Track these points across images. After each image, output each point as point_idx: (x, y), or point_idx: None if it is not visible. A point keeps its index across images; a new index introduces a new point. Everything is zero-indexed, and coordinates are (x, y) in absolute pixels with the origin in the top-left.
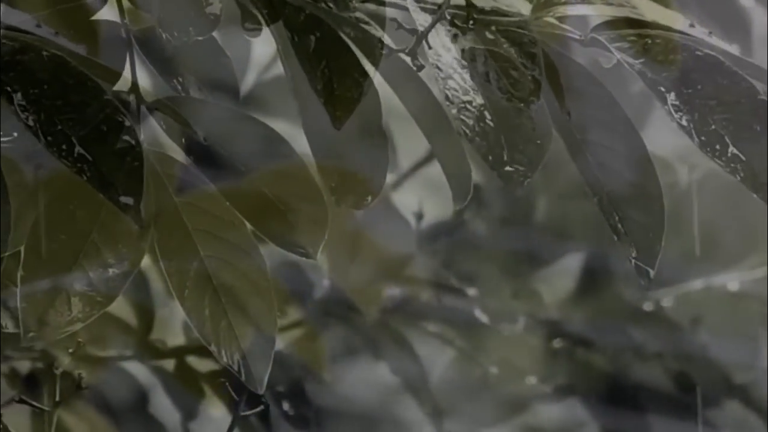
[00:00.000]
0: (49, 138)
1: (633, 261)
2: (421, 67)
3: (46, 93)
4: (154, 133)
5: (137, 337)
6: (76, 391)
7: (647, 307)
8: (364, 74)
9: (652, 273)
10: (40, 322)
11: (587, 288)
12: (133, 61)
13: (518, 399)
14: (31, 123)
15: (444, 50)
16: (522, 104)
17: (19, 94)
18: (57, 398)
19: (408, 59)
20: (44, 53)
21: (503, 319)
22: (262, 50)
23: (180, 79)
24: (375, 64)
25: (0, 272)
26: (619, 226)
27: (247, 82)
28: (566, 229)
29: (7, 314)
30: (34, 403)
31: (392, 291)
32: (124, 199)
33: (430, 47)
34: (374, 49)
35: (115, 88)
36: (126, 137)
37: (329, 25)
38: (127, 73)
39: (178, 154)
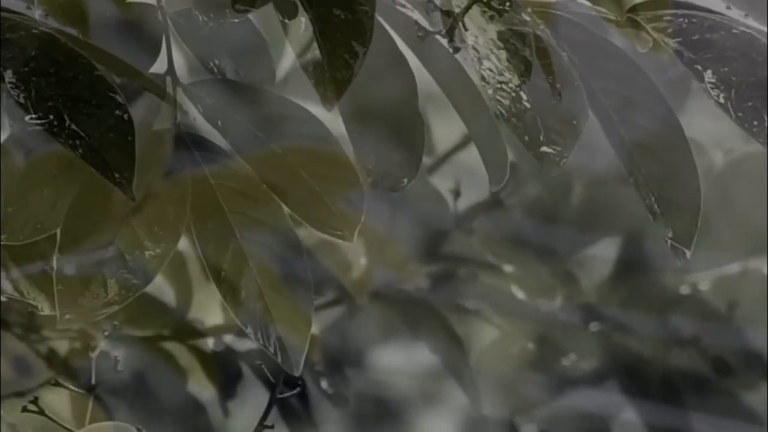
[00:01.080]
0: (40, 114)
1: (669, 241)
2: (457, 49)
3: (36, 70)
4: (190, 115)
5: (175, 317)
6: (112, 373)
7: (684, 290)
8: (355, 55)
9: (688, 253)
10: (76, 305)
11: (624, 272)
12: (169, 43)
13: (556, 382)
14: (22, 100)
15: (480, 31)
16: (515, 89)
17: (9, 72)
18: (93, 381)
19: (444, 41)
20: (34, 31)
21: (541, 295)
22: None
23: (216, 62)
24: (365, 44)
25: None
26: (656, 206)
27: (284, 65)
28: (602, 212)
29: (42, 296)
30: (71, 386)
31: (431, 269)
32: (116, 173)
33: (466, 29)
34: (365, 30)
35: (152, 70)
36: (117, 112)
37: (319, 6)
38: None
39: (214, 136)
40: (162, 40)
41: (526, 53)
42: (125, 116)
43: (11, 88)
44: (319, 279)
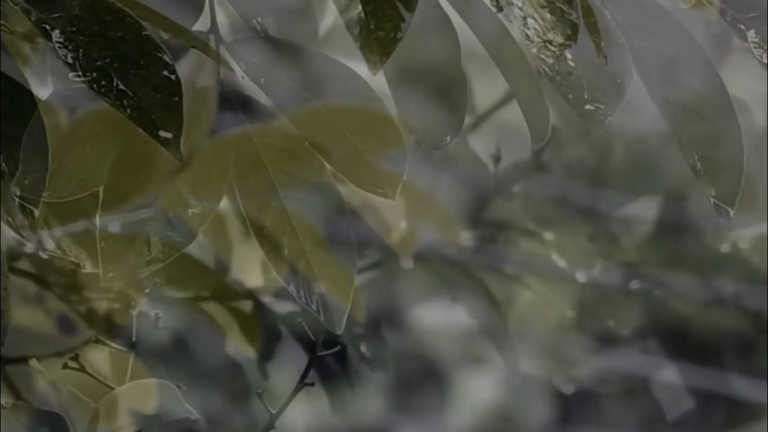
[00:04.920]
0: (88, 74)
1: (712, 200)
2: (500, 8)
3: (83, 30)
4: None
5: (215, 278)
6: (153, 331)
7: (724, 249)
8: (400, 17)
9: (732, 212)
10: (119, 263)
11: (664, 230)
12: (212, 1)
13: (595, 342)
14: (70, 60)
15: None
16: (559, 49)
17: (57, 32)
18: (134, 338)
19: (487, 0)
20: None
21: (580, 263)
22: None
23: (259, 20)
24: (411, 8)
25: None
26: (699, 165)
27: (326, 23)
28: (644, 171)
29: (85, 254)
30: (112, 344)
31: (469, 234)
32: (163, 133)
33: None
34: None
35: (195, 27)
36: (165, 72)
37: None
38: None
39: (258, 94)
40: None
41: (572, 16)
42: (173, 76)
43: (58, 47)
44: (361, 240)
